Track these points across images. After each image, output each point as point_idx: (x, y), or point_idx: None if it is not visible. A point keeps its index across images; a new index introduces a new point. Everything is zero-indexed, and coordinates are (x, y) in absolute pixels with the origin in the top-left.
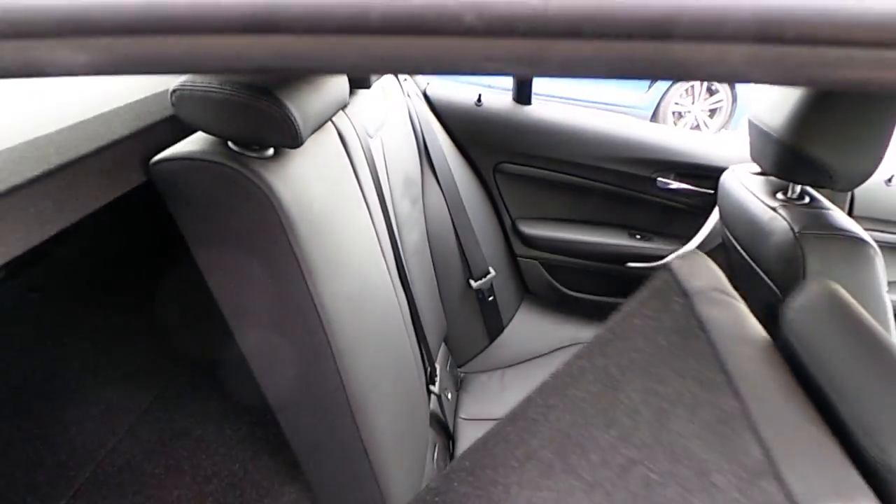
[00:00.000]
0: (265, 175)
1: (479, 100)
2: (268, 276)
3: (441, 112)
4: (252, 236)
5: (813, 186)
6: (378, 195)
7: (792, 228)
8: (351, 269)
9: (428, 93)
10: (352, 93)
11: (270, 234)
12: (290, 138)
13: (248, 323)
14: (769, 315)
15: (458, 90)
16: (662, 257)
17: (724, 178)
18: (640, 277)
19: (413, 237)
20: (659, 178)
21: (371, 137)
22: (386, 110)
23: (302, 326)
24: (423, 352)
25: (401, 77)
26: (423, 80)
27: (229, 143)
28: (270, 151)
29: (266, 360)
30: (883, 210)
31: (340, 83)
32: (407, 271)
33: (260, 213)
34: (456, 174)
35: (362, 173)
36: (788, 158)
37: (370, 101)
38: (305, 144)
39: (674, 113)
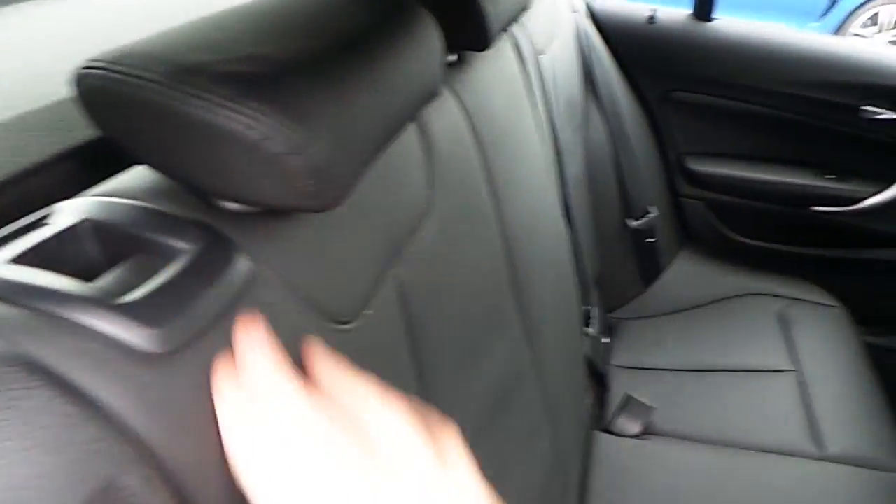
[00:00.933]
0: (450, 80)
1: (652, 17)
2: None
3: (608, 31)
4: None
5: None
6: (546, 116)
7: None
8: (527, 189)
9: (594, 8)
10: None
11: (464, 152)
12: (479, 39)
13: None
14: None
15: (629, 5)
16: (858, 200)
17: None
18: (826, 224)
19: (574, 169)
20: (866, 108)
21: (542, 54)
22: (555, 24)
23: (489, 257)
24: (581, 292)
25: None
26: None
27: None
28: (454, 56)
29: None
30: None
31: None
32: (569, 204)
33: (447, 118)
34: (621, 101)
35: (537, 91)
36: None
37: (542, 12)
38: (485, 52)
39: None
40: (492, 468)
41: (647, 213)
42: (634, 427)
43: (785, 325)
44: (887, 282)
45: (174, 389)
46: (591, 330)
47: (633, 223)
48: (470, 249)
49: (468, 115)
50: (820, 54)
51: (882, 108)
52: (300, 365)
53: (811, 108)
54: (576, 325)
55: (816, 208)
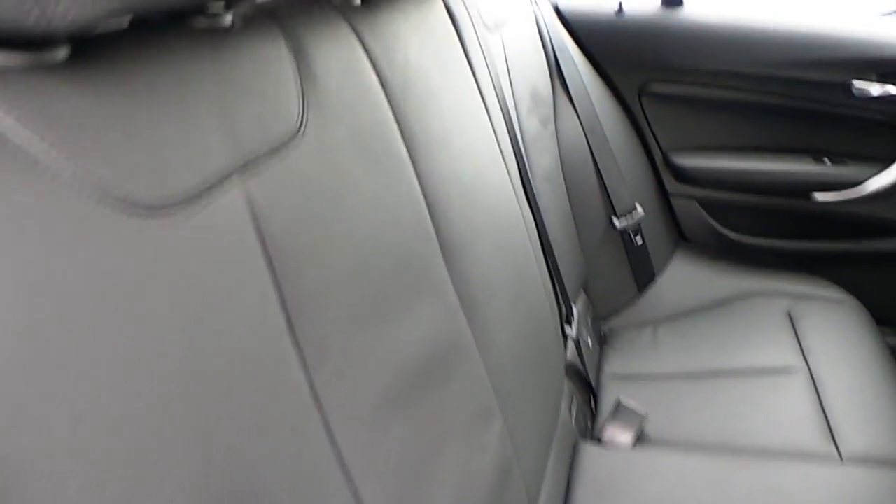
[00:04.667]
0: (351, 18)
1: (620, 9)
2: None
3: (576, 28)
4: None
5: None
6: (497, 95)
7: None
8: (459, 149)
9: (560, 7)
10: None
11: (360, 88)
12: None
13: None
14: None
15: (595, 1)
16: (859, 184)
17: None
18: (829, 213)
19: (544, 161)
20: (856, 84)
21: (489, 31)
22: (509, 11)
23: (403, 204)
24: (557, 287)
25: None
26: None
27: None
28: (359, 2)
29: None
30: None
31: None
32: (536, 196)
33: (338, 51)
34: (593, 97)
35: (477, 64)
36: None
37: None
38: (401, 3)
39: None
40: (422, 444)
41: (634, 210)
42: (626, 436)
43: (793, 322)
44: None
45: None
46: (571, 330)
47: (619, 222)
48: (368, 186)
49: (369, 55)
50: (800, 32)
51: (872, 82)
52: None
53: (798, 89)
54: (545, 311)
55: (817, 196)
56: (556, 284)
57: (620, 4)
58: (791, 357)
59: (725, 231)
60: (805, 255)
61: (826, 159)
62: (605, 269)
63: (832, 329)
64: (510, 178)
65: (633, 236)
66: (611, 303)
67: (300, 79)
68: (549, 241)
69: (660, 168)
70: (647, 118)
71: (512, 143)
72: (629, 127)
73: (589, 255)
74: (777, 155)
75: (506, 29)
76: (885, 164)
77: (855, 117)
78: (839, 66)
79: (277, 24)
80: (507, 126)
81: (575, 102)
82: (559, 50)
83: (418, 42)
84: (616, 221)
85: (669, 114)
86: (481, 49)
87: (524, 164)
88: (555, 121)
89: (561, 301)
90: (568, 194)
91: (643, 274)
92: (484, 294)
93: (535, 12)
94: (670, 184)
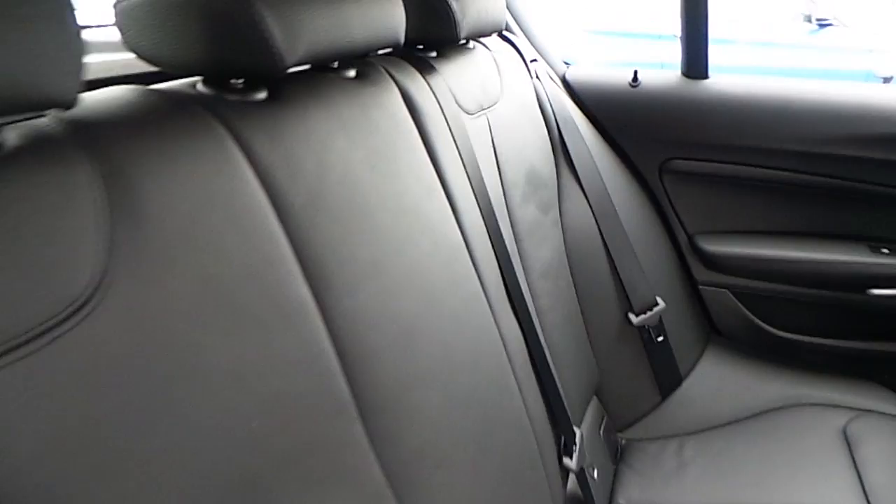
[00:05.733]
0: (231, 116)
1: (634, 78)
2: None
3: (586, 100)
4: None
5: None
6: (475, 188)
7: None
8: (399, 275)
9: (569, 78)
10: (439, 54)
11: (231, 216)
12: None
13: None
14: None
15: (607, 71)
16: None
17: None
18: (892, 311)
19: (543, 254)
20: None
21: (470, 115)
22: (501, 89)
23: (296, 368)
24: (553, 409)
25: (527, 56)
26: (561, 62)
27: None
28: (262, 94)
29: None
30: None
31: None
32: (530, 297)
33: (233, 181)
34: (607, 177)
35: (446, 156)
36: None
37: (471, 71)
38: (328, 94)
39: None
40: None
41: (654, 305)
42: None
43: (849, 445)
44: None
45: None
46: (572, 462)
47: (636, 319)
48: (229, 356)
49: (257, 167)
50: (847, 104)
51: None
52: None
53: (846, 168)
54: (530, 451)
55: (875, 291)
56: (554, 406)
57: (636, 73)
58: (848, 495)
59: (766, 326)
60: (860, 359)
61: (885, 248)
62: (621, 372)
63: None
64: (484, 288)
65: (653, 333)
66: (629, 411)
67: (108, 219)
68: (542, 356)
69: (686, 254)
70: (669, 199)
71: (493, 244)
72: (649, 209)
73: (602, 358)
74: (825, 242)
75: (494, 109)
76: None
77: None
78: (892, 141)
79: (80, 140)
80: (486, 224)
81: (583, 183)
82: (564, 125)
83: (346, 142)
84: (633, 318)
85: (696, 194)
86: (453, 138)
87: (510, 266)
88: (559, 205)
89: (559, 426)
90: (576, 288)
91: (667, 377)
92: (428, 463)
93: (535, 87)
94: (698, 272)
